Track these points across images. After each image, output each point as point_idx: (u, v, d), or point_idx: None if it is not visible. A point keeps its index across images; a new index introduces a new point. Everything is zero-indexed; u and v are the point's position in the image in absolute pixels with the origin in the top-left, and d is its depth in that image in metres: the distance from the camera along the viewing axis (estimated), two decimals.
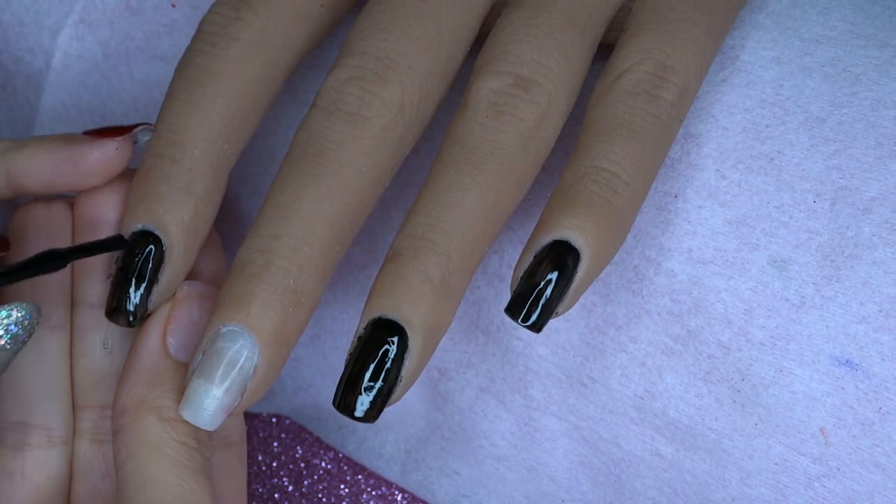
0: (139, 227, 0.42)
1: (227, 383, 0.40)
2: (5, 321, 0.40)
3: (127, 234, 0.42)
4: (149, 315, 0.43)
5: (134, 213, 0.42)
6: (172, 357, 0.42)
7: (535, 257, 0.41)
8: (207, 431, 0.42)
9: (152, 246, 0.42)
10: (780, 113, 0.45)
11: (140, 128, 0.44)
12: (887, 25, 0.46)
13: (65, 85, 0.52)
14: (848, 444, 0.43)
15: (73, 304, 0.45)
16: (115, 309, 0.42)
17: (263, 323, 0.40)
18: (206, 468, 0.41)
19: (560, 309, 0.41)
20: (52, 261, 0.42)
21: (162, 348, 0.42)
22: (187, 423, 0.41)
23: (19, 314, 0.40)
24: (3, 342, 0.40)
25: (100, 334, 0.45)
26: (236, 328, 0.40)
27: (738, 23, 0.46)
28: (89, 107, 0.52)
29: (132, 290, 0.42)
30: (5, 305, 0.40)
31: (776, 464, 0.44)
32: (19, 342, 0.40)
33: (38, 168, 0.44)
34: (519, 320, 0.41)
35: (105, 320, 0.43)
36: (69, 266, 0.45)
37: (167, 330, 0.42)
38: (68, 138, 0.44)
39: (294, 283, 0.40)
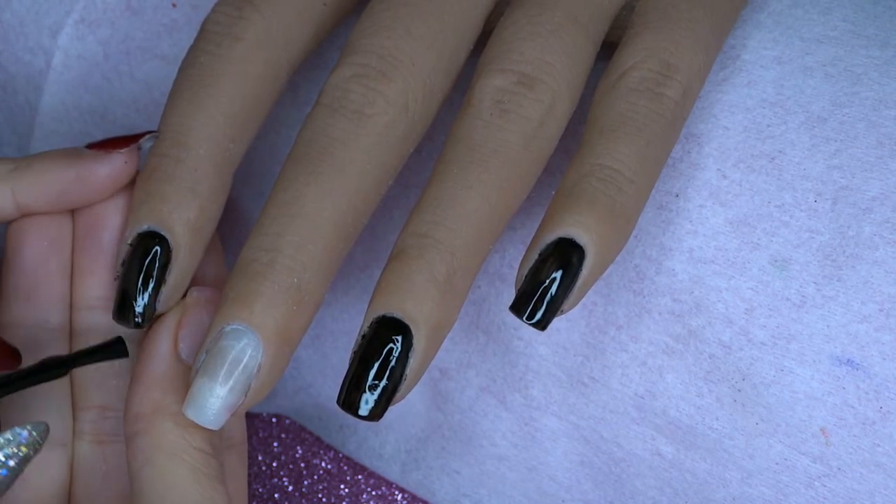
0: (144, 227, 0.42)
1: (230, 382, 0.40)
2: (17, 442, 0.40)
3: (132, 235, 0.42)
4: (157, 317, 0.42)
5: (139, 213, 0.42)
6: (184, 361, 0.42)
7: (539, 255, 0.41)
8: (220, 437, 0.41)
9: (158, 247, 0.42)
10: (781, 112, 0.45)
11: (146, 136, 0.43)
12: (888, 25, 0.46)
13: (65, 85, 0.51)
14: (849, 444, 0.43)
15: (72, 306, 0.45)
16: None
17: (267, 321, 0.40)
18: (222, 475, 0.41)
19: (565, 307, 0.41)
20: (52, 368, 0.42)
21: (174, 353, 0.42)
22: (203, 429, 0.41)
23: (32, 435, 0.40)
24: (13, 463, 0.40)
25: (100, 336, 0.44)
26: (240, 327, 0.40)
27: (739, 22, 0.46)
28: (90, 107, 0.51)
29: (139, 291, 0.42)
30: (18, 427, 0.40)
31: (777, 463, 0.44)
32: (27, 461, 0.40)
33: (45, 189, 0.43)
34: (524, 318, 0.41)
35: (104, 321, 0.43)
36: (69, 267, 0.45)
37: (178, 335, 0.42)
38: (73, 155, 0.44)
39: (298, 282, 0.40)
